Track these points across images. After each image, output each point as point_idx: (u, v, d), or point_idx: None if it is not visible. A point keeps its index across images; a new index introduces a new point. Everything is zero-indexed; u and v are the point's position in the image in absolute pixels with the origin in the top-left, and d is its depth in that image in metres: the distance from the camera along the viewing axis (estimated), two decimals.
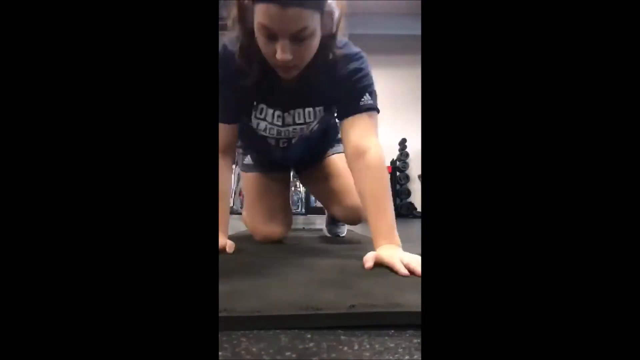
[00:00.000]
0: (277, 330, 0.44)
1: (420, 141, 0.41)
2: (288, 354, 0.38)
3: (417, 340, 0.41)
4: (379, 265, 0.75)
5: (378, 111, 0.99)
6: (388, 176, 0.93)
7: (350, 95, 0.96)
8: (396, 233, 0.84)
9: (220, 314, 0.43)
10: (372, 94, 0.98)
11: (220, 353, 0.37)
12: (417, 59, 0.61)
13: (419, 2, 0.43)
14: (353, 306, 0.47)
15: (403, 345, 0.40)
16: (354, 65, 0.95)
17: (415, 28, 5.36)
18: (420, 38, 0.38)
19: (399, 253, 0.75)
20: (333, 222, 1.78)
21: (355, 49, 0.98)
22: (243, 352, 0.38)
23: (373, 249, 0.82)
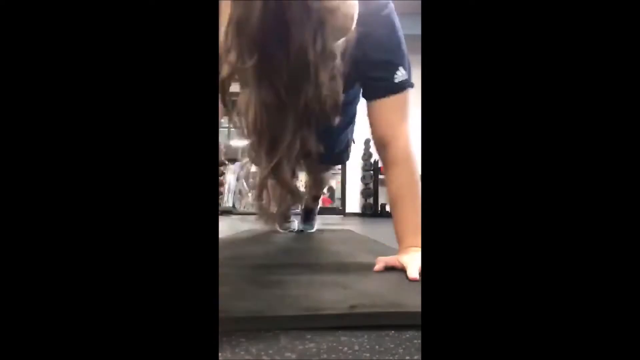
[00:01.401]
0: (277, 331, 0.44)
1: (420, 141, 0.41)
2: (288, 354, 0.38)
3: (417, 341, 0.41)
4: (391, 268, 0.71)
5: (412, 86, 0.80)
6: (416, 169, 0.78)
7: (379, 69, 0.77)
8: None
9: (220, 315, 0.43)
10: (407, 64, 0.80)
11: (220, 353, 0.37)
12: (417, 59, 0.60)
13: (419, 2, 0.42)
14: (353, 306, 0.47)
15: (403, 346, 0.40)
16: (381, 29, 0.74)
17: (415, 28, 5.35)
18: (420, 38, 0.38)
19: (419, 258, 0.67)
20: (286, 218, 1.84)
21: None
22: (243, 352, 0.38)
23: (374, 249, 0.81)
